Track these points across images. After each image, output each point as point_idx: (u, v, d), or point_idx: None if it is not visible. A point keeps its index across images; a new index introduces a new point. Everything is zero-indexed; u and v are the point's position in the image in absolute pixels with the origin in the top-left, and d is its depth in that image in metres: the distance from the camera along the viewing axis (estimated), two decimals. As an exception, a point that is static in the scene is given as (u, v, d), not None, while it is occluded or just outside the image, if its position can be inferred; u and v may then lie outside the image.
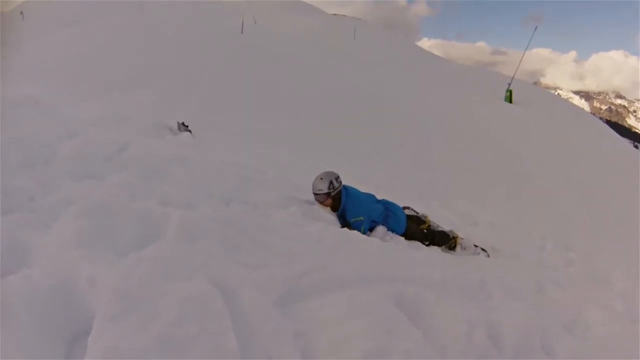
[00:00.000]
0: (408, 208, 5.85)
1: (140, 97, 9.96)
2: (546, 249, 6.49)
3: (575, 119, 21.20)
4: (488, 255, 5.04)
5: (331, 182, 4.65)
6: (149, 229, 2.57)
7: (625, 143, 22.58)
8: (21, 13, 19.97)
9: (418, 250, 3.89)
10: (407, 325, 2.16)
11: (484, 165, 10.81)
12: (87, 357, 1.64)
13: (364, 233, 4.50)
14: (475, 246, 5.17)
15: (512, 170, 10.97)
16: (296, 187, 5.49)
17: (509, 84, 20.35)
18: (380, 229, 4.67)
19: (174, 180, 4.13)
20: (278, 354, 1.88)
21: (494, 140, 13.28)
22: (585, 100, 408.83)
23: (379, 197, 5.08)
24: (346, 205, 4.67)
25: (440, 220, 5.90)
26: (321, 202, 4.69)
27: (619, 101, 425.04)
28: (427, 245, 4.85)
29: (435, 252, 4.11)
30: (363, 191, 5.02)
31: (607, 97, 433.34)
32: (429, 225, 5.53)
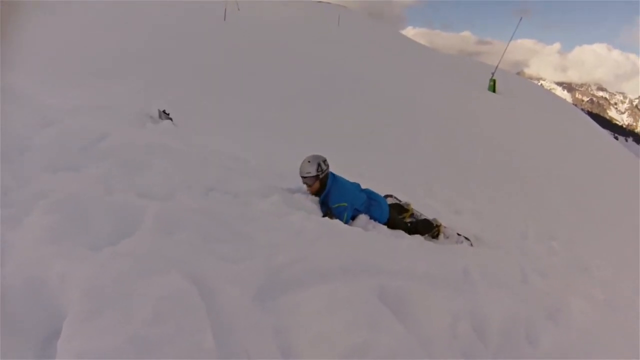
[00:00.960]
0: (391, 196, 5.81)
1: (121, 86, 9.66)
2: (529, 237, 6.57)
3: (558, 110, 21.45)
4: (471, 244, 5.02)
5: (319, 165, 4.62)
6: (125, 222, 2.46)
7: (606, 134, 22.96)
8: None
9: (401, 240, 3.84)
10: (391, 319, 2.11)
11: (468, 154, 10.85)
12: (56, 360, 1.54)
13: (346, 221, 4.43)
14: (459, 235, 5.15)
15: (496, 159, 11.04)
16: (279, 175, 5.41)
17: (493, 74, 20.45)
18: (363, 218, 4.62)
19: (153, 171, 3.98)
20: (257, 352, 1.81)
21: (478, 129, 13.35)
22: (568, 91, 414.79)
23: (362, 186, 5.03)
24: (330, 190, 4.63)
25: (423, 208, 5.87)
26: (309, 185, 4.66)
27: (600, 93, 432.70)
28: (410, 234, 4.80)
29: (418, 241, 4.07)
30: (346, 179, 4.96)
31: (589, 89, 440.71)
32: (412, 214, 5.50)
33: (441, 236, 5.07)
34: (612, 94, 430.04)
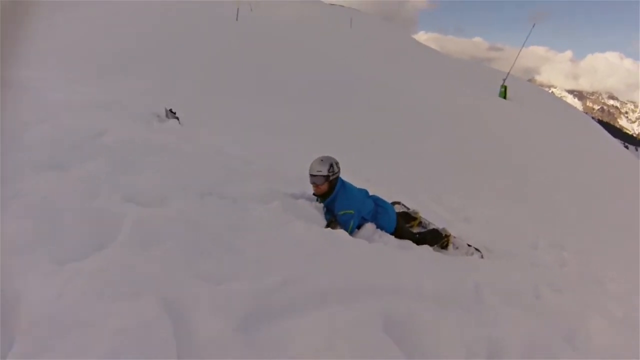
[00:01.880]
0: (399, 203, 5.62)
1: (131, 83, 9.60)
2: (539, 247, 6.38)
3: (569, 117, 21.17)
4: (482, 256, 4.80)
5: (332, 165, 4.37)
6: (100, 232, 2.24)
7: (617, 143, 22.63)
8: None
9: (408, 253, 3.60)
10: (397, 354, 1.87)
11: (477, 160, 10.66)
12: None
13: (351, 230, 4.23)
14: (469, 245, 4.93)
15: (505, 166, 10.84)
16: (283, 178, 5.22)
17: (504, 80, 20.22)
18: (369, 227, 4.39)
19: (147, 172, 3.77)
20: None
21: (488, 135, 13.14)
22: (579, 99, 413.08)
23: (370, 193, 4.81)
24: (337, 196, 4.38)
25: (432, 215, 5.69)
26: (317, 186, 4.39)
27: (611, 102, 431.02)
28: (418, 245, 4.60)
29: (426, 254, 3.81)
30: (356, 186, 4.75)
31: (600, 97, 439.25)
32: (420, 222, 5.32)
33: (450, 247, 4.85)
34: (623, 103, 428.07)
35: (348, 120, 10.72)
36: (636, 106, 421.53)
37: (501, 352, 2.19)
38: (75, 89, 7.47)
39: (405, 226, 4.87)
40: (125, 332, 1.54)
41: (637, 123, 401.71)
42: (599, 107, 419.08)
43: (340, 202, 4.33)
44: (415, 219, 5.30)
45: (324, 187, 4.38)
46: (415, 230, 5.12)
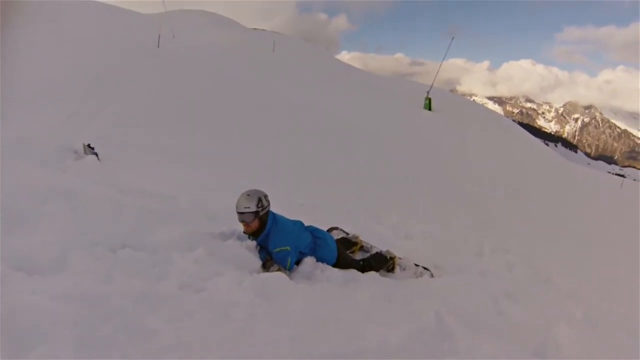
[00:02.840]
0: (336, 228, 5.32)
1: (44, 116, 8.70)
2: (484, 254, 6.38)
3: (492, 122, 22.19)
4: (432, 275, 4.58)
5: (260, 200, 3.92)
6: None
7: (539, 142, 24.03)
8: None
9: (358, 296, 3.09)
10: None
11: (410, 173, 10.67)
12: None
13: (290, 267, 3.83)
14: (416, 265, 4.69)
15: (438, 177, 10.94)
16: (210, 216, 4.78)
17: (428, 92, 20.88)
18: (309, 261, 3.99)
19: (43, 227, 3.18)
20: None
21: (417, 147, 13.33)
22: (499, 105, 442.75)
23: (305, 222, 4.42)
24: (270, 232, 3.96)
25: (372, 236, 5.46)
26: (246, 224, 3.93)
27: (528, 104, 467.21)
28: (363, 272, 4.27)
29: (377, 290, 3.38)
30: (287, 216, 4.33)
31: (518, 101, 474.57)
32: (362, 246, 5.04)
33: (397, 269, 4.58)
34: (539, 105, 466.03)
35: (275, 146, 10.39)
36: (551, 107, 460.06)
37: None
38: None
39: (347, 254, 4.54)
40: None
41: (553, 122, 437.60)
42: (518, 110, 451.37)
43: (274, 239, 3.91)
44: (355, 243, 5.01)
45: (255, 225, 3.95)
46: (358, 256, 4.82)
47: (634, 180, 23.70)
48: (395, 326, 2.32)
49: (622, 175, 24.11)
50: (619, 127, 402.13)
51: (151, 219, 4.14)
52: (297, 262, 4.01)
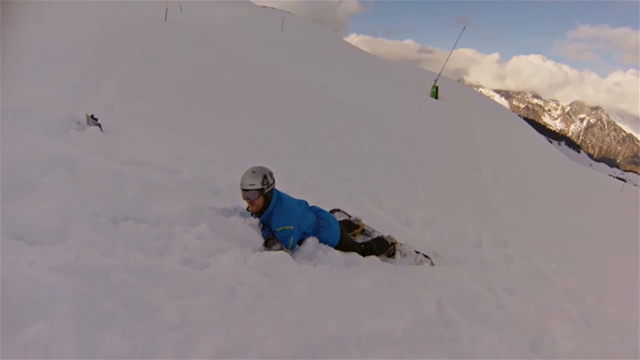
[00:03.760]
0: (339, 210, 5.34)
1: (47, 86, 8.61)
2: (483, 246, 6.40)
3: (498, 115, 22.03)
4: (432, 263, 4.58)
5: (265, 177, 3.87)
6: None
7: (543, 139, 23.94)
8: None
9: (361, 279, 3.07)
10: None
11: (413, 160, 10.64)
12: None
13: (292, 246, 3.83)
14: (417, 252, 4.70)
15: (441, 165, 10.91)
16: (213, 190, 4.74)
17: (435, 81, 20.70)
18: (311, 242, 3.98)
19: (43, 197, 3.11)
20: None
21: (422, 134, 13.25)
22: (505, 98, 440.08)
23: (309, 202, 4.41)
24: (274, 211, 3.91)
25: (373, 219, 5.47)
26: (252, 202, 3.88)
27: (535, 101, 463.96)
28: (364, 256, 4.28)
29: (380, 275, 3.33)
30: (292, 195, 4.31)
31: (525, 96, 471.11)
32: (363, 230, 5.06)
33: (397, 255, 4.59)
34: (546, 102, 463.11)
35: (279, 125, 10.33)
36: (558, 104, 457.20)
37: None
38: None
39: (349, 237, 4.54)
40: None
41: (559, 120, 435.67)
42: (524, 105, 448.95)
43: (277, 218, 3.88)
44: (357, 226, 5.03)
45: (259, 202, 3.89)
46: (359, 239, 4.83)
47: (635, 185, 23.64)
48: (398, 312, 2.31)
49: (623, 180, 24.07)
50: (624, 131, 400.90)
51: (154, 191, 4.10)
52: (300, 242, 4.01)
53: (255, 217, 4.02)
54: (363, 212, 5.79)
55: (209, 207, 3.91)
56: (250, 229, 3.71)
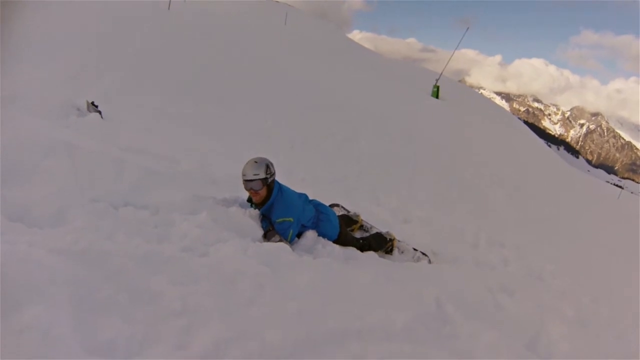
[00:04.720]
0: (337, 205, 5.33)
1: (47, 72, 8.55)
2: (480, 246, 6.39)
3: (498, 117, 22.02)
4: (430, 261, 4.59)
5: (268, 166, 3.85)
6: None
7: (542, 143, 23.97)
8: None
9: (361, 274, 3.08)
10: None
11: (413, 158, 10.61)
12: None
13: (291, 238, 3.82)
14: (415, 250, 4.70)
15: (439, 164, 10.90)
16: (212, 180, 4.72)
17: (437, 80, 20.67)
18: (310, 235, 3.97)
19: (42, 180, 3.09)
20: None
21: (422, 133, 13.23)
22: (506, 101, 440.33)
23: (308, 196, 4.40)
24: (275, 202, 3.90)
25: (370, 216, 5.45)
26: (256, 192, 3.85)
27: (536, 104, 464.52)
28: (362, 251, 4.28)
29: (379, 270, 3.36)
30: (292, 189, 4.30)
31: (526, 99, 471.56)
32: (362, 225, 5.06)
33: (395, 251, 4.59)
34: (546, 106, 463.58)
35: (279, 119, 10.28)
36: (558, 109, 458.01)
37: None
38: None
39: (348, 231, 4.54)
40: None
41: (559, 125, 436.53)
42: (524, 108, 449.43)
43: (277, 209, 3.86)
44: (356, 222, 5.03)
45: (263, 192, 3.87)
46: (357, 234, 4.83)
47: (632, 192, 23.71)
48: (398, 307, 2.31)
49: (620, 187, 24.13)
50: (623, 138, 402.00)
51: (153, 179, 4.08)
52: (299, 235, 3.99)
53: (255, 209, 4.01)
54: (361, 209, 5.77)
55: (208, 197, 3.89)
56: (249, 220, 3.70)
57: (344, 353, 1.76)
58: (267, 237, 3.71)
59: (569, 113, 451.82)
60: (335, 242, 4.15)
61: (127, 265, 2.08)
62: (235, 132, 8.59)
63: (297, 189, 4.47)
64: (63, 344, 1.55)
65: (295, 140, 9.23)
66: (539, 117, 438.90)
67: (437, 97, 19.83)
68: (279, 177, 4.28)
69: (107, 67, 9.93)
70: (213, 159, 6.05)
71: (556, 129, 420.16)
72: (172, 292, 1.99)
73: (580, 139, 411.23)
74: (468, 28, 22.15)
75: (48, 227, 2.45)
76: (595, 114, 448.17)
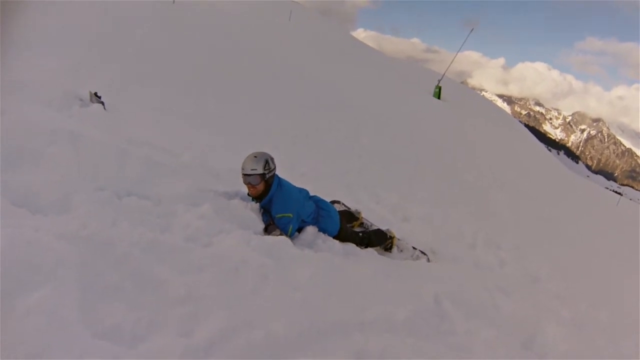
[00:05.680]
0: (338, 202, 5.35)
1: (52, 61, 8.55)
2: (477, 247, 6.41)
3: (499, 119, 22.05)
4: (428, 260, 4.62)
5: (267, 162, 3.89)
6: None
7: (542, 147, 24.00)
8: None
9: (361, 269, 3.15)
10: None
11: (413, 157, 10.65)
12: None
13: (291, 234, 3.83)
14: (414, 248, 4.73)
15: (439, 163, 10.94)
16: (214, 174, 4.74)
17: (439, 81, 20.67)
18: (311, 230, 3.99)
19: (46, 167, 3.10)
20: None
21: (422, 133, 13.27)
22: (508, 104, 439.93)
23: (305, 188, 4.42)
24: (274, 197, 3.92)
25: (370, 214, 5.49)
26: (252, 186, 3.89)
27: (537, 108, 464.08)
28: (362, 245, 4.32)
29: (379, 266, 3.41)
30: (293, 185, 4.33)
31: (528, 103, 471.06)
32: (361, 222, 5.08)
33: (394, 249, 4.62)
34: (548, 110, 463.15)
35: (281, 114, 10.32)
36: (560, 114, 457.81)
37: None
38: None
39: (348, 227, 4.57)
40: None
41: (559, 129, 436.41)
42: (526, 112, 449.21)
43: (277, 204, 3.89)
44: (356, 219, 5.06)
45: (260, 187, 3.90)
46: (358, 230, 4.85)
47: (631, 199, 23.72)
48: (398, 303, 2.34)
49: (619, 193, 24.16)
50: (623, 145, 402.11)
51: (156, 170, 4.09)
52: (299, 230, 4.01)
53: (256, 202, 4.03)
54: (360, 206, 5.81)
55: (210, 190, 3.91)
56: (251, 213, 3.73)
57: (347, 344, 1.79)
58: (268, 231, 3.73)
59: (570, 118, 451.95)
60: (336, 237, 4.17)
61: (132, 252, 2.10)
62: (237, 127, 8.61)
63: (298, 184, 4.49)
64: (69, 327, 1.57)
65: (297, 136, 9.25)
66: (540, 121, 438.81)
67: (439, 97, 19.85)
68: (280, 172, 4.30)
69: (111, 60, 9.93)
70: (214, 153, 6.07)
71: (557, 134, 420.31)
72: (177, 280, 2.01)
73: (581, 144, 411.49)
74: (472, 30, 22.14)
75: (52, 214, 2.46)
76: (597, 120, 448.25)
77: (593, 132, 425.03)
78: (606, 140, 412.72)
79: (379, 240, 4.57)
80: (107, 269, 1.94)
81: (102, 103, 6.51)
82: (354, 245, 4.19)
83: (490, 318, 2.94)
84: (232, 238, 2.75)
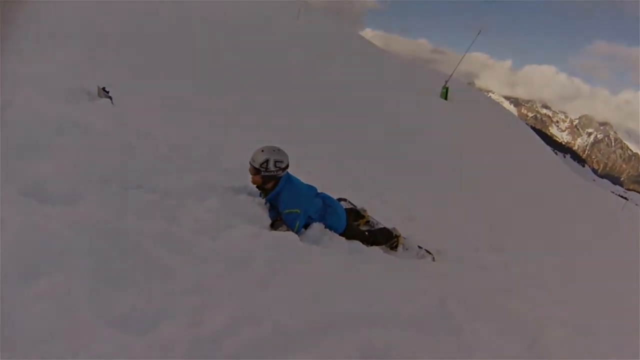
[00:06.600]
0: (345, 200, 5.35)
1: (60, 55, 8.59)
2: (482, 249, 6.44)
3: (506, 121, 21.95)
4: (433, 259, 4.63)
5: (267, 161, 3.93)
6: None
7: (548, 150, 23.89)
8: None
9: (368, 267, 3.15)
10: None
11: (420, 157, 10.67)
12: None
13: (297, 229, 3.85)
14: (420, 247, 4.74)
15: (447, 165, 10.94)
16: (222, 169, 4.77)
17: (446, 82, 20.57)
18: (317, 227, 4.01)
19: (55, 158, 3.11)
20: None
21: (430, 133, 13.26)
22: (514, 105, 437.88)
23: (314, 187, 4.45)
24: (281, 192, 3.96)
25: (375, 213, 5.48)
26: (251, 175, 4.02)
27: (544, 111, 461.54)
28: (367, 244, 4.32)
29: (385, 264, 3.45)
30: (303, 182, 4.36)
31: (535, 105, 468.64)
32: (367, 221, 5.08)
33: (400, 248, 4.62)
34: (555, 113, 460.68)
35: (289, 112, 10.37)
36: (567, 117, 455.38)
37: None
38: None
39: (355, 225, 4.58)
40: None
41: (566, 132, 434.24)
42: (532, 114, 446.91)
43: (284, 200, 3.92)
44: (363, 217, 5.05)
45: (257, 180, 4.01)
46: (363, 229, 4.86)
47: (637, 204, 23.54)
48: (404, 300, 2.36)
49: (625, 198, 24.00)
50: (630, 149, 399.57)
51: (163, 164, 4.14)
52: (306, 227, 4.03)
53: (263, 198, 4.08)
54: (366, 204, 5.82)
55: (217, 184, 3.95)
56: (258, 208, 3.77)
57: (355, 338, 1.80)
58: (274, 226, 3.76)
59: (577, 121, 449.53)
60: (342, 234, 4.19)
61: (141, 242, 2.11)
62: (246, 124, 8.64)
63: (303, 180, 4.51)
64: (78, 314, 1.59)
65: (304, 134, 9.27)
66: (547, 124, 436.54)
67: (445, 98, 19.75)
68: (289, 169, 4.34)
69: (119, 54, 9.99)
70: (222, 148, 6.10)
71: (563, 137, 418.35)
72: (186, 270, 2.02)
73: (587, 147, 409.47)
74: (480, 32, 21.97)
75: (61, 204, 2.48)
76: (604, 124, 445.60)
77: (600, 136, 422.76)
78: (613, 144, 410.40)
79: (385, 238, 4.58)
80: (117, 257, 1.96)
81: (110, 97, 6.53)
82: (360, 242, 4.20)
83: (494, 319, 2.95)
84: (240, 232, 2.77)
